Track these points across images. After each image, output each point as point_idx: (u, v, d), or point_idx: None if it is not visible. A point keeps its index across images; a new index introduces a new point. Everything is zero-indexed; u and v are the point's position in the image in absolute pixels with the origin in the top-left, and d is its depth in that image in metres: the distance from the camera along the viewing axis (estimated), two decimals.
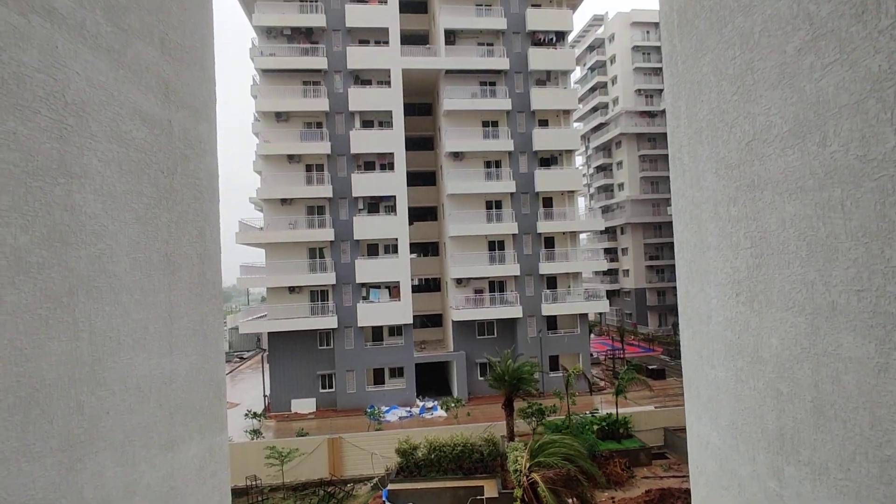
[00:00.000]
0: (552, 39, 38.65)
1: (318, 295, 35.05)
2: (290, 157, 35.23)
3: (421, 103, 41.62)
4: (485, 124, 37.73)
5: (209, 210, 2.53)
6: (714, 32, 1.92)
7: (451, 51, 37.23)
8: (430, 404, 33.81)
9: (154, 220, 2.08)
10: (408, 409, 33.35)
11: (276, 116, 35.64)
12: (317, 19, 35.42)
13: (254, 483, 24.09)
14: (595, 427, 26.77)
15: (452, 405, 31.57)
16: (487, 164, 37.69)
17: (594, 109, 71.95)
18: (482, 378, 34.14)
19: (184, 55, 2.39)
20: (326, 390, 35.14)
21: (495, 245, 37.27)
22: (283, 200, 34.91)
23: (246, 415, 30.84)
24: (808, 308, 1.47)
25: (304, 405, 34.27)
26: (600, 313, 59.98)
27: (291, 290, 34.67)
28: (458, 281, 36.51)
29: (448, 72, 37.29)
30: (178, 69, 2.33)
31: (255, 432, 28.43)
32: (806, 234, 1.46)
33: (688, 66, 2.19)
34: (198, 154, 2.45)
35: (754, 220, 1.72)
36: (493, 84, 38.00)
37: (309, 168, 35.55)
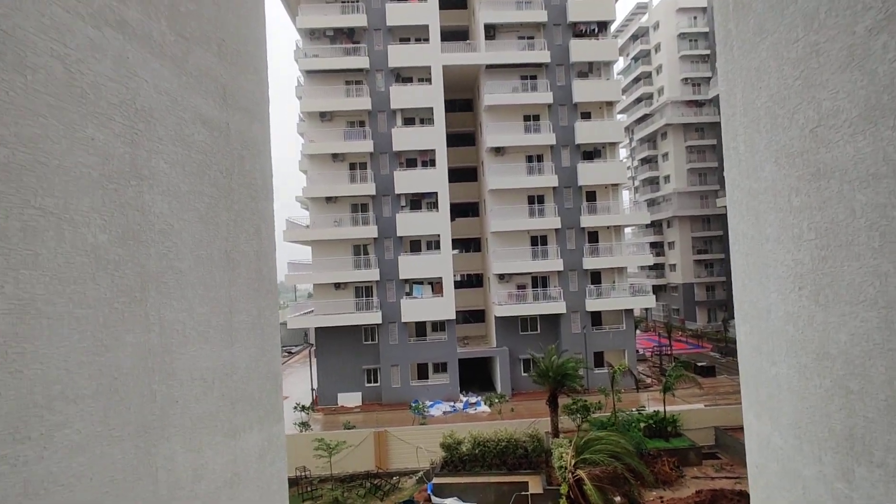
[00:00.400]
0: (594, 30, 37.85)
1: (363, 291, 35.63)
2: (335, 156, 35.88)
3: (462, 99, 41.57)
4: (526, 118, 37.36)
5: (264, 209, 2.62)
6: (774, 14, 1.85)
7: (491, 45, 37.01)
8: (473, 399, 33.88)
9: (215, 218, 2.17)
10: (451, 403, 33.52)
11: (320, 116, 36.35)
12: (358, 19, 35.88)
13: (303, 474, 24.77)
14: (642, 425, 26.19)
15: (496, 401, 31.53)
16: (529, 159, 37.31)
17: (638, 100, 70.07)
18: (525, 374, 33.94)
19: (239, 59, 2.48)
20: (372, 384, 35.73)
21: (538, 240, 36.91)
22: (328, 199, 35.61)
23: (295, 408, 31.72)
24: (881, 302, 1.40)
25: (350, 399, 34.96)
26: (646, 309, 58.51)
27: (337, 286, 35.37)
28: (501, 276, 36.36)
29: (488, 67, 37.10)
30: (234, 73, 2.43)
31: (304, 424, 29.21)
32: (879, 223, 1.40)
33: (744, 51, 2.11)
34: (253, 155, 2.55)
35: (819, 210, 1.65)
36: (534, 77, 37.55)
37: (352, 166, 36.13)
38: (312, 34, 36.55)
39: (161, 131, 1.88)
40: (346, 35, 36.51)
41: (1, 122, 1.29)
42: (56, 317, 1.39)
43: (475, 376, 37.69)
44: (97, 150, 1.59)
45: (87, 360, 1.48)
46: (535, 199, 37.02)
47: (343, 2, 36.46)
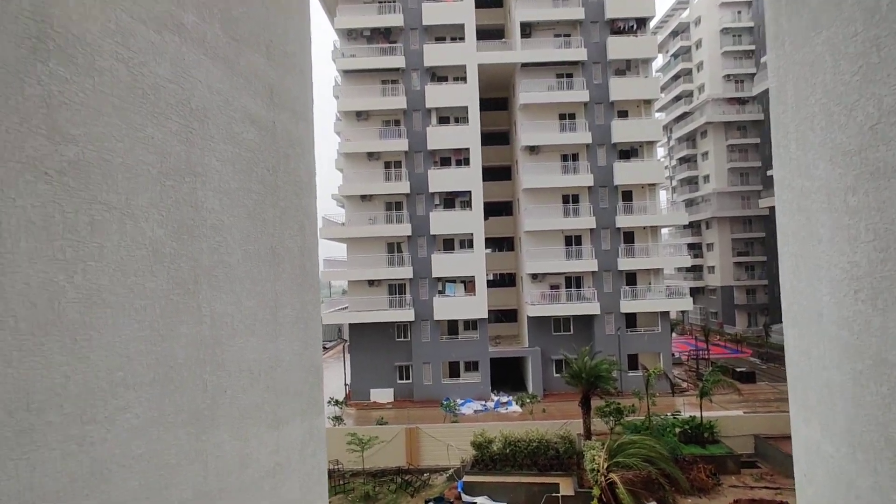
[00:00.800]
0: (632, 27, 37.13)
1: (396, 288, 35.93)
2: (370, 155, 36.27)
3: (496, 98, 41.39)
4: (562, 117, 36.95)
5: (308, 206, 2.68)
6: (830, 8, 1.79)
7: (527, 44, 36.74)
8: (504, 399, 33.76)
9: (262, 214, 2.24)
10: (482, 402, 33.48)
11: (356, 115, 36.79)
12: (395, 19, 36.16)
13: (336, 467, 25.16)
14: (677, 430, 25.59)
15: (527, 401, 31.34)
16: (564, 158, 36.90)
17: (677, 98, 68.41)
18: (558, 375, 33.62)
19: (285, 60, 2.54)
20: (403, 381, 36.01)
21: (572, 240, 36.48)
22: (363, 197, 36.04)
23: (329, 402, 32.25)
24: None
25: (382, 395, 35.32)
26: (683, 311, 57.19)
27: (371, 283, 35.77)
28: (534, 276, 36.10)
29: (524, 65, 36.84)
30: (281, 74, 2.49)
31: (337, 419, 29.66)
32: None
33: (797, 46, 2.05)
34: (298, 153, 2.61)
35: (878, 210, 1.59)
36: (570, 76, 37.10)
37: (387, 165, 36.45)
38: (350, 34, 37.01)
39: (213, 130, 1.95)
40: (383, 35, 36.83)
41: (72, 122, 1.36)
42: (119, 307, 1.47)
43: (507, 376, 37.55)
44: (156, 148, 1.66)
45: (145, 349, 1.55)
46: (570, 199, 36.60)
47: (380, 2, 36.78)
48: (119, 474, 1.42)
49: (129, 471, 1.45)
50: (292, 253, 2.46)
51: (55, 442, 1.25)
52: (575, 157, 36.78)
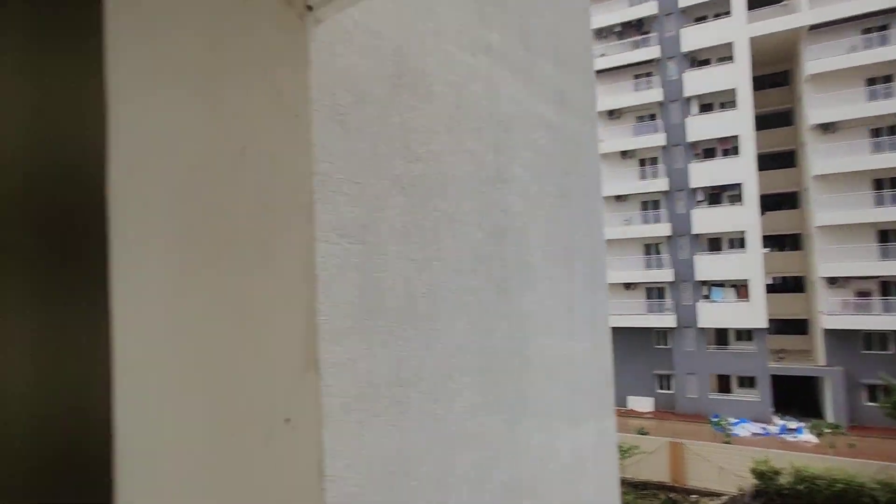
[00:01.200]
0: None
1: (655, 292, 33.76)
2: (623, 153, 34.96)
3: (770, 73, 35.52)
4: (870, 82, 29.75)
5: (595, 207, 2.67)
6: None
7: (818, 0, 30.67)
8: (792, 425, 28.59)
9: (556, 216, 2.31)
10: (762, 425, 28.96)
11: (608, 115, 35.83)
12: (648, 8, 34.22)
13: None
14: None
15: (825, 430, 25.95)
16: (875, 133, 29.59)
17: None
18: (871, 403, 27.11)
19: (571, 62, 2.58)
20: (663, 391, 33.54)
21: (888, 235, 29.01)
22: (618, 197, 34.85)
23: None
24: None
25: (640, 403, 33.53)
26: None
27: (627, 286, 34.37)
28: (832, 280, 29.78)
29: (812, 28, 30.82)
30: (568, 77, 2.54)
31: None
32: None
33: None
34: (585, 155, 2.62)
35: None
36: (883, 28, 29.62)
37: (642, 162, 34.62)
38: (601, 33, 36.27)
39: (516, 138, 2.09)
40: (635, 27, 35.19)
41: (418, 142, 1.60)
42: (453, 302, 1.67)
43: (794, 398, 31.72)
44: (474, 160, 1.85)
45: (472, 340, 1.73)
46: (885, 183, 29.18)
47: None
48: (458, 448, 1.60)
49: (466, 447, 1.63)
50: (583, 254, 2.48)
51: (415, 414, 1.48)
52: (892, 131, 29.21)
